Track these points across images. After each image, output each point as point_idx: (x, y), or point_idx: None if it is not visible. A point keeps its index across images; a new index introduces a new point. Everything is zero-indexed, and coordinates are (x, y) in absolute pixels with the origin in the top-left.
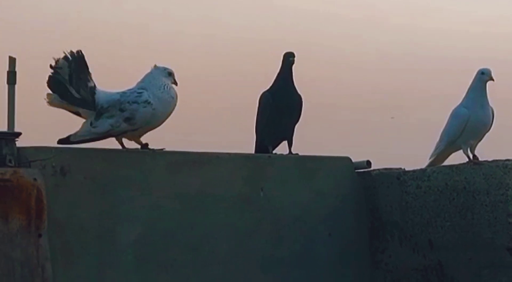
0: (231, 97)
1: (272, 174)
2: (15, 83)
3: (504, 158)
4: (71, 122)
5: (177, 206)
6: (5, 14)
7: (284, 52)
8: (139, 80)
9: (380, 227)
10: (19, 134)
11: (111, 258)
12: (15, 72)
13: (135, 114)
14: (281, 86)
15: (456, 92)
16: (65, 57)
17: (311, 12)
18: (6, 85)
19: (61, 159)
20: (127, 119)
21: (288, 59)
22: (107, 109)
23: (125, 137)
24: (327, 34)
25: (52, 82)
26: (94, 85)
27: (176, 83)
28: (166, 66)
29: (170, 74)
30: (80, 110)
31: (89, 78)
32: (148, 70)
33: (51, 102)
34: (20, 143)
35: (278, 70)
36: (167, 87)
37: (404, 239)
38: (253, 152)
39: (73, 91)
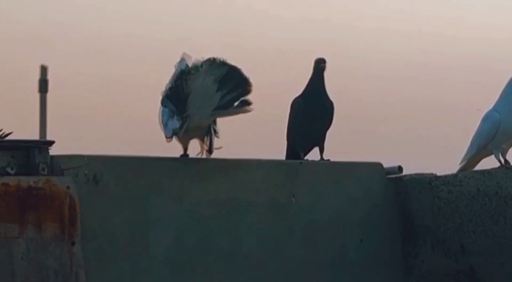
0: (261, 104)
1: (303, 180)
2: (46, 91)
3: None
4: (102, 131)
5: (209, 212)
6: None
7: (316, 58)
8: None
9: (412, 232)
10: (52, 142)
11: (144, 264)
12: (46, 81)
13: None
14: (313, 92)
15: (486, 99)
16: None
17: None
18: (38, 94)
19: (94, 166)
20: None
21: (320, 65)
22: None
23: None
24: (355, 42)
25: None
26: None
27: None
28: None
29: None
30: None
31: None
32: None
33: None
34: (52, 151)
35: (309, 77)
36: None
37: (436, 244)
38: (284, 158)
39: None
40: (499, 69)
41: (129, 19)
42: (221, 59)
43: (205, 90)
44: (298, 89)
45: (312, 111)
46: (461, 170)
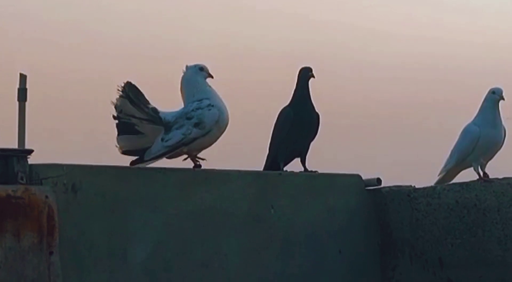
0: (240, 114)
1: (282, 191)
2: (25, 100)
3: None
4: (82, 139)
5: (188, 223)
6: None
7: (301, 67)
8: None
9: (391, 244)
10: (31, 151)
11: (122, 275)
12: (25, 89)
13: (203, 117)
14: (301, 102)
15: (467, 109)
16: (120, 95)
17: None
18: (17, 102)
19: (73, 176)
20: (197, 125)
21: (307, 74)
22: (175, 122)
23: (186, 153)
24: (332, 47)
25: (122, 127)
26: (155, 107)
27: (211, 76)
28: (196, 64)
29: (202, 69)
30: (148, 131)
31: (147, 101)
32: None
33: (122, 147)
34: (31, 160)
35: (294, 86)
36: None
37: (415, 257)
38: (261, 168)
39: (141, 114)
40: (477, 85)
41: (107, 32)
42: None
43: None
44: (278, 100)
45: (300, 122)
46: (439, 182)
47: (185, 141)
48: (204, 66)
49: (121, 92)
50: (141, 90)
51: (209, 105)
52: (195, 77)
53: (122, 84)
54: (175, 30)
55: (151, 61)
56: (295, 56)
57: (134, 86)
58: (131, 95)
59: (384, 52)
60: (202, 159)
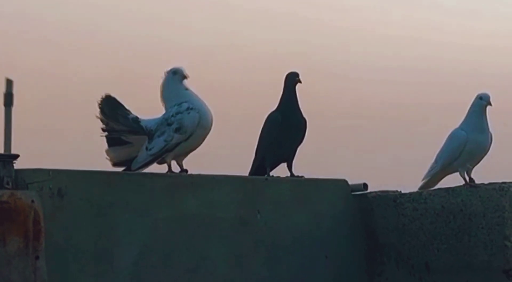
0: (226, 119)
1: (269, 197)
2: (12, 105)
3: (500, 181)
4: (68, 144)
5: (175, 228)
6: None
7: (288, 72)
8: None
9: (377, 249)
10: (17, 156)
11: (108, 279)
12: (12, 94)
13: (183, 122)
14: (289, 107)
15: (454, 114)
16: (99, 109)
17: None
18: (3, 107)
19: (59, 180)
20: (177, 130)
21: (294, 79)
22: (156, 129)
23: (173, 158)
24: (316, 50)
25: (109, 139)
26: (136, 116)
27: (186, 77)
28: (171, 68)
29: (176, 72)
30: (134, 141)
31: (127, 112)
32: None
33: (113, 158)
34: (17, 165)
35: (281, 91)
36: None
37: (401, 262)
38: (247, 173)
39: (120, 127)
40: (465, 88)
41: (97, 35)
42: None
43: None
44: (265, 105)
45: (288, 126)
46: (423, 187)
47: (168, 147)
48: (178, 69)
49: (99, 107)
50: (120, 101)
51: (188, 108)
52: (171, 82)
53: (100, 99)
54: (161, 28)
55: (136, 61)
56: (281, 61)
57: (110, 98)
58: (105, 109)
59: (372, 55)
60: (184, 170)
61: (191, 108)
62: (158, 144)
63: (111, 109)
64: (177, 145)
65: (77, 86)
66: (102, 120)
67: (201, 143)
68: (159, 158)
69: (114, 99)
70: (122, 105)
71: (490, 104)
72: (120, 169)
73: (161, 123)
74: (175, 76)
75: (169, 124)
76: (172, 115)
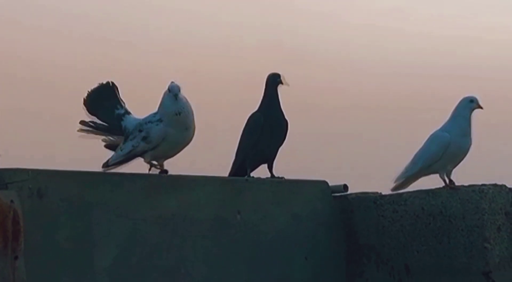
0: (206, 120)
1: (249, 198)
2: None
3: (480, 183)
4: (49, 144)
5: (154, 229)
6: None
7: (269, 73)
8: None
9: (357, 251)
10: None
11: (87, 280)
12: None
13: (150, 132)
14: (271, 108)
15: (433, 116)
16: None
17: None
18: None
19: (38, 180)
20: (144, 138)
21: (276, 80)
22: (131, 132)
23: (151, 160)
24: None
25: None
26: (125, 112)
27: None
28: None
29: (169, 90)
30: (110, 137)
31: (118, 106)
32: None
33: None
34: None
35: (262, 92)
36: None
37: (381, 263)
38: (227, 174)
39: (100, 120)
40: (446, 90)
41: (87, 28)
42: None
43: None
44: (243, 106)
45: (270, 127)
46: (396, 188)
47: (135, 152)
48: (171, 86)
49: (88, 95)
50: (117, 93)
51: (159, 120)
52: (164, 99)
53: (98, 84)
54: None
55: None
56: (262, 61)
57: (108, 87)
58: (94, 97)
59: (356, 55)
60: (164, 171)
61: (161, 121)
62: (127, 147)
63: (100, 99)
64: (143, 152)
65: (59, 84)
66: (87, 109)
67: (174, 154)
68: (131, 159)
69: (112, 88)
70: (117, 98)
71: (481, 107)
72: (111, 153)
73: (136, 127)
74: (169, 94)
75: (140, 131)
76: (145, 123)
